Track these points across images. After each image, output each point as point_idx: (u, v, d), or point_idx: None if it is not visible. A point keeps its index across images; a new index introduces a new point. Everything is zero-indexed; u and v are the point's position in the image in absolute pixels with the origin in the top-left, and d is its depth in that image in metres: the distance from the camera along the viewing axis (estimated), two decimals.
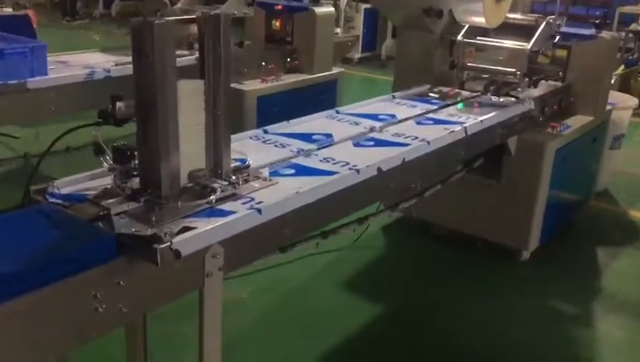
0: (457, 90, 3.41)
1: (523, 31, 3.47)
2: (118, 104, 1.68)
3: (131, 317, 1.64)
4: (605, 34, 3.86)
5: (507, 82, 3.43)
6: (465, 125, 2.69)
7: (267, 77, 4.46)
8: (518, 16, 3.49)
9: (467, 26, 3.37)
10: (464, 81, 3.52)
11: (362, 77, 8.87)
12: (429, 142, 2.42)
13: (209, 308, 1.71)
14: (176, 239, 1.51)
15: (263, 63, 4.49)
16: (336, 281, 3.40)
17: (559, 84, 3.93)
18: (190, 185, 1.82)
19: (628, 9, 8.66)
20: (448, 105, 3.13)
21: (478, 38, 3.42)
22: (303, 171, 2.08)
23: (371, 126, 2.64)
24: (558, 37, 3.47)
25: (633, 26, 8.40)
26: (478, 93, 3.38)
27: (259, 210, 1.72)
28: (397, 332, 3.04)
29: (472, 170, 3.33)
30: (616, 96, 4.51)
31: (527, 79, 3.34)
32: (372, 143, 2.42)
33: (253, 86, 4.29)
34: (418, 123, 2.75)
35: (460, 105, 3.16)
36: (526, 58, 3.23)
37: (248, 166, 1.99)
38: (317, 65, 4.78)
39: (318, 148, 2.33)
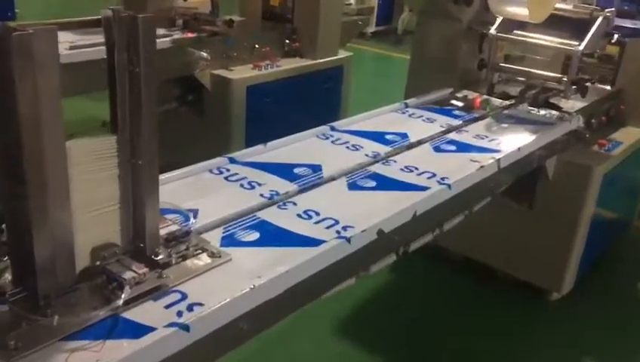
0: (486, 97, 2.76)
1: (570, 25, 2.79)
2: None
3: None
4: None
5: (547, 87, 2.77)
6: (498, 156, 2.05)
7: (261, 62, 3.80)
8: (566, 6, 2.80)
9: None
10: (494, 83, 2.87)
11: (376, 54, 8.17)
12: (449, 186, 1.80)
13: None
14: None
15: (257, 46, 3.82)
16: (323, 322, 2.81)
17: (607, 87, 3.27)
18: (98, 264, 1.22)
19: None
20: (475, 119, 2.48)
21: (514, 32, 2.75)
22: (271, 236, 1.47)
23: (375, 152, 2.02)
24: (616, 35, 2.78)
25: None
26: (512, 102, 2.73)
27: (185, 327, 1.11)
28: None
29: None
30: None
31: (574, 86, 2.67)
32: (374, 184, 1.80)
33: (242, 73, 3.63)
34: (436, 149, 2.12)
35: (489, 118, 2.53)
36: (576, 61, 2.56)
37: (189, 231, 1.38)
38: (321, 48, 4.10)
39: (300, 191, 1.71)
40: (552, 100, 2.80)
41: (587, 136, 2.77)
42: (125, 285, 1.16)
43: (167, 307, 1.17)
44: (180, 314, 1.15)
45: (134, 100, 1.17)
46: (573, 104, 2.86)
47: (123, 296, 1.15)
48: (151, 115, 1.20)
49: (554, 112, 2.62)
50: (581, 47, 2.54)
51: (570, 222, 2.84)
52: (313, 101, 4.09)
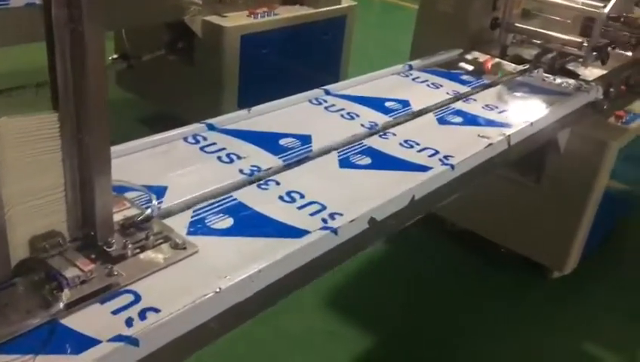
0: (498, 60, 2.53)
1: None
2: None
3: None
4: None
5: (565, 52, 2.54)
6: (508, 132, 1.85)
7: (257, 9, 3.53)
8: None
9: None
10: (508, 45, 2.63)
11: (386, 3, 7.81)
12: (452, 167, 1.60)
13: None
14: None
15: None
16: (313, 298, 2.67)
17: (627, 53, 3.02)
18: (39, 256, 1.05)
19: None
20: (485, 86, 2.27)
21: None
22: (246, 223, 1.29)
23: (372, 122, 1.81)
24: None
25: None
26: (526, 66, 2.51)
27: (134, 342, 0.94)
28: None
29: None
30: None
31: (595, 53, 2.44)
32: (369, 161, 1.60)
33: (236, 20, 3.38)
34: (441, 121, 1.91)
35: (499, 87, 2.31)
36: (599, 25, 2.33)
37: (150, 217, 1.20)
38: None
39: (285, 168, 1.52)
40: (569, 67, 2.58)
41: (605, 107, 2.55)
42: (64, 287, 0.98)
43: (116, 312, 1.00)
44: (129, 322, 0.98)
45: (78, 65, 0.97)
46: (591, 71, 2.64)
47: (62, 300, 0.97)
48: (99, 82, 0.99)
49: (571, 81, 2.40)
50: (607, 10, 2.30)
51: (579, 198, 2.66)
52: (312, 54, 3.85)
